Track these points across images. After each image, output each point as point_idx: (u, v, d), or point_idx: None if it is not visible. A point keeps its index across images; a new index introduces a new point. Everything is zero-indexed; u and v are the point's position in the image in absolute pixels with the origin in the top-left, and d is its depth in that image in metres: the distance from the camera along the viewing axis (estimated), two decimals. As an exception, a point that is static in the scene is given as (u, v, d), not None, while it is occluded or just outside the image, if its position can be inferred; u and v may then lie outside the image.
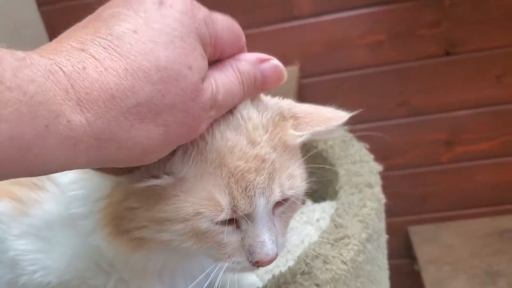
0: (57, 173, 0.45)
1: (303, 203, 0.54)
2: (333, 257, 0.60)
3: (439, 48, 1.47)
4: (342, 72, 1.50)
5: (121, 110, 0.34)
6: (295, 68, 1.48)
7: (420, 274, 1.46)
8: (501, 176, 1.57)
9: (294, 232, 0.77)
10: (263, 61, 0.44)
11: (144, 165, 0.43)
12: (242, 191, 0.44)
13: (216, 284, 0.49)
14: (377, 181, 0.74)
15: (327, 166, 0.88)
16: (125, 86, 0.34)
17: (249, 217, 0.45)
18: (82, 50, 0.34)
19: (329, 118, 0.49)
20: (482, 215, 1.58)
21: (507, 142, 1.54)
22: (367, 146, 0.84)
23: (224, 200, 0.43)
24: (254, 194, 0.44)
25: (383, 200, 0.73)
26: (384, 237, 0.74)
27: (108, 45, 0.35)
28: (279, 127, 0.47)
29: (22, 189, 0.53)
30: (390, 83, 1.51)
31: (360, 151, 0.82)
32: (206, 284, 0.49)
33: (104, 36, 0.35)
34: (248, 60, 0.44)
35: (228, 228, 0.46)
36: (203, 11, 0.39)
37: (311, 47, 1.48)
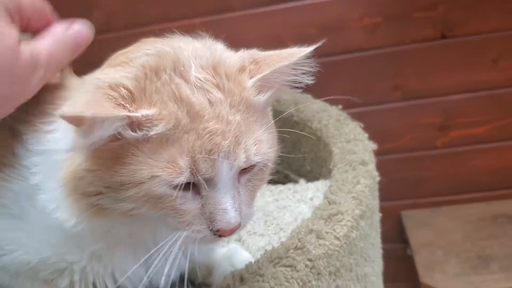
0: (17, 147, 0.49)
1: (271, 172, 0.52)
2: (327, 232, 0.59)
3: (436, 31, 1.45)
4: (338, 55, 1.49)
5: None
6: (290, 50, 1.46)
7: (412, 258, 1.46)
8: (496, 161, 1.56)
9: (287, 210, 0.77)
10: (72, 23, 0.50)
11: None
12: (206, 154, 0.42)
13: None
14: (371, 159, 0.74)
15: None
16: None
17: (211, 182, 0.44)
18: None
19: (291, 53, 0.47)
20: (476, 200, 1.58)
21: (502, 127, 1.53)
22: (362, 125, 0.83)
23: (184, 162, 0.42)
24: (218, 157, 0.42)
25: (377, 178, 0.72)
26: (378, 215, 0.73)
27: None
28: (235, 82, 0.46)
29: None
30: (386, 66, 1.49)
31: (354, 129, 0.81)
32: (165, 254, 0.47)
33: None
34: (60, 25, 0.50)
35: (187, 194, 0.44)
36: None
37: (307, 29, 1.46)
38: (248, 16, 1.44)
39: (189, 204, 0.45)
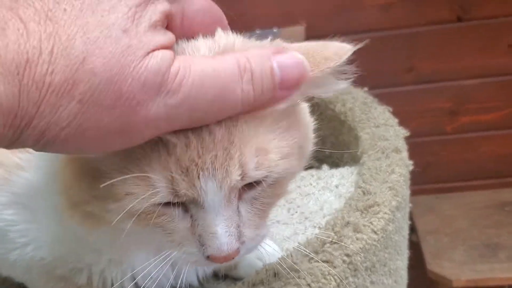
0: None
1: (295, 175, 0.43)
2: (364, 225, 0.55)
3: (451, 13, 1.41)
4: (351, 34, 1.43)
5: (34, 79, 0.28)
6: (301, 28, 1.41)
7: (419, 244, 1.44)
8: (505, 148, 1.54)
9: (310, 198, 0.73)
10: (279, 52, 0.34)
11: None
12: (182, 173, 0.34)
13: None
14: (404, 146, 0.70)
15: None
16: (43, 47, 0.28)
17: (197, 202, 0.36)
18: (11, 9, 0.28)
19: (324, 58, 0.36)
20: (484, 187, 1.56)
21: (513, 114, 1.50)
22: (390, 109, 0.79)
23: (159, 180, 0.34)
24: (198, 177, 0.34)
25: (411, 167, 0.68)
26: (408, 207, 0.69)
27: (42, 6, 0.29)
28: None
29: (5, 153, 0.47)
30: (399, 47, 1.45)
31: (383, 114, 0.77)
32: None
33: None
34: (259, 49, 0.34)
35: (174, 212, 0.37)
36: None
37: (319, 5, 1.41)
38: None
39: (178, 222, 0.38)
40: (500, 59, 1.44)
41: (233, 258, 0.38)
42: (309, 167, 0.85)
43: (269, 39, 0.42)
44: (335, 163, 0.86)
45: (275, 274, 0.51)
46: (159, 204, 0.36)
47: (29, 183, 0.46)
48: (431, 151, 1.57)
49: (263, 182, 0.38)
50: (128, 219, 0.37)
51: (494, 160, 1.55)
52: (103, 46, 0.29)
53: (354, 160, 0.78)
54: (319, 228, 0.64)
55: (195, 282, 0.53)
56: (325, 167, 0.80)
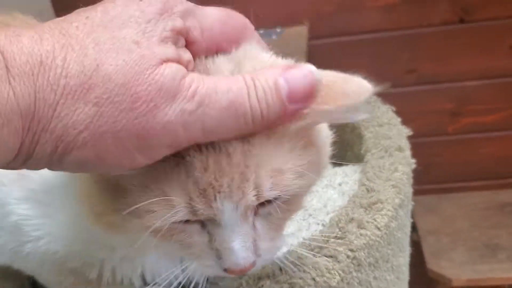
0: None
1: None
2: (367, 222, 0.56)
3: (454, 14, 1.42)
4: (353, 35, 1.45)
5: (48, 80, 0.28)
6: (304, 28, 1.42)
7: (419, 244, 1.45)
8: (506, 150, 1.55)
9: (314, 195, 0.74)
10: (289, 68, 0.34)
11: None
12: (200, 194, 0.35)
13: None
14: (407, 145, 0.70)
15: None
16: (56, 53, 0.29)
17: (214, 221, 0.37)
18: (30, 28, 0.30)
19: (342, 93, 0.35)
20: (484, 188, 1.57)
21: (515, 116, 1.51)
22: (394, 108, 0.80)
23: (178, 201, 0.35)
24: (215, 199, 0.35)
25: (413, 165, 0.69)
26: (411, 204, 0.70)
27: (55, 25, 0.31)
28: None
29: None
30: (401, 48, 1.46)
31: (386, 113, 0.78)
32: None
33: (59, 21, 0.31)
34: (267, 69, 0.34)
35: (192, 227, 0.39)
36: (181, 5, 0.34)
37: (322, 6, 1.42)
38: (262, -9, 1.40)
39: (196, 237, 0.39)
40: (502, 61, 1.45)
41: (249, 270, 0.40)
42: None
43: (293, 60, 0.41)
44: (338, 162, 0.87)
45: (280, 268, 0.52)
46: (179, 222, 0.37)
47: (45, 179, 0.47)
48: (432, 151, 1.58)
49: (279, 199, 0.38)
50: (149, 234, 0.39)
51: (494, 161, 1.56)
52: (116, 55, 0.30)
53: (357, 158, 0.79)
54: (323, 225, 0.65)
55: (201, 279, 0.54)
56: (328, 165, 0.81)
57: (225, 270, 0.40)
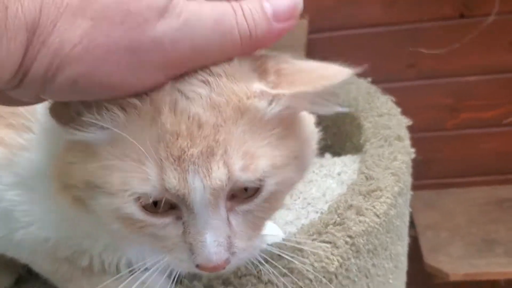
0: (40, 111, 0.42)
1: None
2: (366, 209, 0.56)
3: (455, 9, 1.42)
4: (353, 29, 1.44)
5: None
6: (304, 22, 1.42)
7: (417, 239, 1.45)
8: (505, 145, 1.55)
9: (313, 185, 0.74)
10: None
11: (81, 113, 0.35)
12: (174, 161, 0.34)
13: None
14: (406, 135, 0.71)
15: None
16: None
17: (187, 203, 0.36)
18: None
19: (321, 76, 0.36)
20: (483, 184, 1.57)
21: (514, 111, 1.51)
22: (394, 99, 0.80)
23: (150, 169, 0.34)
24: (188, 170, 0.34)
25: (413, 155, 0.69)
26: (410, 194, 0.71)
27: None
28: (236, 80, 0.36)
29: (10, 133, 0.47)
30: (401, 43, 1.46)
31: (386, 104, 0.78)
32: None
33: None
34: None
35: (165, 220, 0.37)
36: None
37: (322, 0, 1.42)
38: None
39: (169, 229, 0.38)
40: (502, 56, 1.45)
41: (223, 268, 0.38)
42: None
43: None
44: (337, 152, 0.87)
45: (279, 253, 0.52)
46: (148, 208, 0.36)
47: (32, 164, 0.46)
48: (431, 147, 1.58)
49: (257, 196, 0.38)
50: (115, 220, 0.38)
51: (493, 157, 1.56)
52: None
53: (356, 149, 0.79)
54: (321, 213, 0.65)
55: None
56: (327, 155, 0.81)
57: (197, 266, 0.38)
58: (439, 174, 1.60)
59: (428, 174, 1.59)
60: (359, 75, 0.92)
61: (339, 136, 0.86)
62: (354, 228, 0.54)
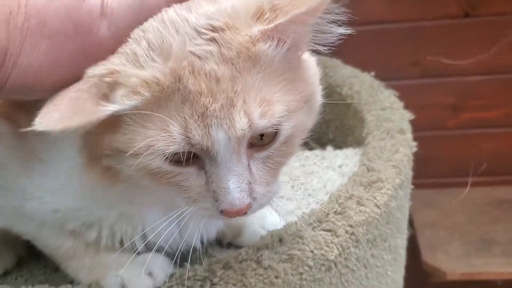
0: None
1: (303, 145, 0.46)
2: (367, 199, 0.57)
3: (459, 8, 1.41)
4: (357, 26, 1.44)
5: (16, 25, 0.37)
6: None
7: (415, 237, 1.45)
8: (505, 146, 1.54)
9: (314, 176, 0.74)
10: None
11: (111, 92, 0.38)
12: (198, 118, 0.37)
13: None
14: (408, 128, 0.71)
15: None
16: (20, 4, 0.37)
17: (210, 155, 0.38)
18: None
19: None
20: (482, 184, 1.57)
21: (516, 112, 1.51)
22: (396, 93, 0.80)
23: (175, 129, 0.37)
24: (211, 124, 0.37)
25: (414, 148, 0.69)
26: (410, 187, 0.71)
27: None
28: (238, 31, 0.38)
29: (21, 111, 0.48)
30: (405, 41, 1.45)
31: (389, 97, 0.78)
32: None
33: None
34: None
35: (190, 169, 0.40)
36: None
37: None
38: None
39: (193, 180, 0.40)
40: (506, 56, 1.44)
41: (245, 212, 0.40)
42: (312, 149, 0.86)
43: None
44: (339, 146, 0.87)
45: (280, 240, 0.52)
46: (173, 158, 0.38)
47: (43, 138, 0.47)
48: (431, 145, 1.57)
49: (275, 141, 0.40)
50: (144, 177, 0.40)
51: (493, 157, 1.56)
52: None
53: (358, 143, 0.79)
54: (322, 204, 0.65)
55: (198, 245, 0.54)
56: (329, 148, 0.81)
57: (222, 212, 0.40)
58: (439, 173, 1.60)
59: (427, 173, 1.59)
60: (363, 69, 0.93)
61: (342, 129, 0.86)
62: (354, 217, 0.54)
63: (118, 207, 0.49)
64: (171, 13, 0.39)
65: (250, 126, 0.37)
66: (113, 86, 0.38)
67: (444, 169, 1.59)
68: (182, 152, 0.38)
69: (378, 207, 0.57)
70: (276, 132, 0.39)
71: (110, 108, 0.37)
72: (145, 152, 0.37)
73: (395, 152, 0.64)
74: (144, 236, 0.50)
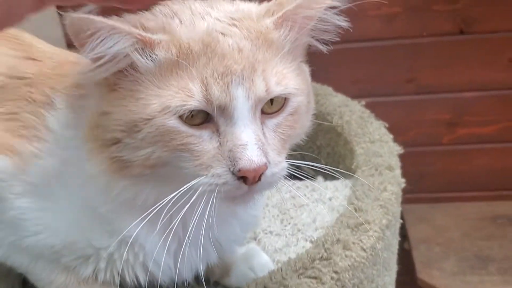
0: (51, 121, 0.47)
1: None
2: (353, 243, 0.57)
3: (454, 25, 1.41)
4: (352, 42, 1.44)
5: None
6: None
7: (410, 252, 1.45)
8: (499, 162, 1.55)
9: (304, 210, 0.74)
10: None
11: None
12: (218, 76, 0.40)
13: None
14: (397, 164, 0.71)
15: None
16: None
17: (227, 113, 0.41)
18: None
19: None
20: (477, 199, 1.57)
21: (510, 128, 1.51)
22: (386, 125, 0.80)
23: (195, 86, 0.40)
24: (231, 82, 0.40)
25: (403, 185, 0.70)
26: (399, 222, 0.71)
27: None
28: (255, 21, 0.44)
29: (22, 143, 0.49)
30: (401, 58, 1.46)
31: (379, 129, 0.78)
32: None
33: None
34: None
35: (202, 132, 0.41)
36: None
37: (323, 13, 1.42)
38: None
39: (205, 144, 0.41)
40: (501, 73, 1.44)
41: (262, 173, 0.41)
42: (304, 177, 0.86)
43: None
44: (329, 174, 0.87)
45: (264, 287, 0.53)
46: (188, 117, 0.41)
47: (45, 170, 0.48)
48: (426, 161, 1.58)
49: (284, 109, 0.44)
50: (157, 145, 0.41)
51: (487, 172, 1.56)
52: None
53: (349, 171, 0.79)
54: (311, 241, 0.65)
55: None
56: (319, 178, 0.81)
57: (239, 171, 0.40)
58: (434, 188, 1.60)
59: (422, 188, 1.59)
60: (344, 91, 0.93)
61: (333, 157, 0.87)
62: (340, 263, 0.55)
63: (118, 232, 0.48)
64: (197, 5, 0.44)
65: (267, 90, 0.41)
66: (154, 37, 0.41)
67: (440, 184, 1.60)
68: (197, 111, 0.40)
69: (364, 250, 0.57)
70: (285, 100, 0.43)
71: (144, 34, 0.40)
72: (160, 114, 0.40)
73: (383, 190, 0.65)
74: (144, 266, 0.50)
